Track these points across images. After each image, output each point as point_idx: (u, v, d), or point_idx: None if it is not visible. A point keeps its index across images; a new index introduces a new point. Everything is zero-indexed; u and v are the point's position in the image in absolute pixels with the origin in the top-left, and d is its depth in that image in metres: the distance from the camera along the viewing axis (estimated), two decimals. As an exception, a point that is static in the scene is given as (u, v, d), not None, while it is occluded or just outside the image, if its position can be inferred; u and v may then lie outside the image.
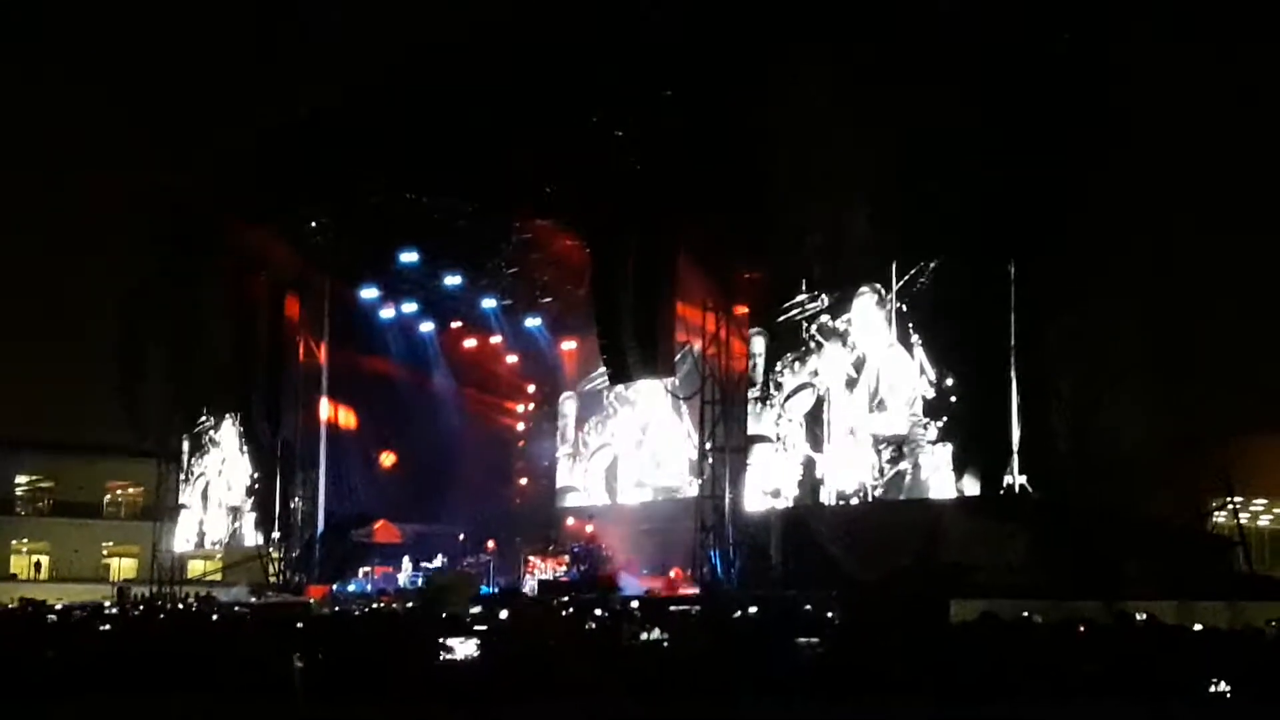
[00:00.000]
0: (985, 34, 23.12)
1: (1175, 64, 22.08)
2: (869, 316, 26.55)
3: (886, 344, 26.04)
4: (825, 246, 26.88)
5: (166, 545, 43.21)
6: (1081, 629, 15.20)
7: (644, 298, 27.84)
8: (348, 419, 39.49)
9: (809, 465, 27.46)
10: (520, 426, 40.42)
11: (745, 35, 25.83)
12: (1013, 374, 23.08)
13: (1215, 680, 8.62)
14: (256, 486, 40.92)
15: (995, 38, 23.10)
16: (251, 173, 34.96)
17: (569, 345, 37.22)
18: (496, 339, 39.37)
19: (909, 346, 25.29)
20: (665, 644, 12.81)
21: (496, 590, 30.40)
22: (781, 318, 28.02)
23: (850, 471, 26.57)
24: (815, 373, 27.49)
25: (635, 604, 23.07)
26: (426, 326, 39.06)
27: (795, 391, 27.92)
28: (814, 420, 27.50)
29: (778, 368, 28.34)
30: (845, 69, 24.39)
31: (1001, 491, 23.20)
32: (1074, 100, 22.42)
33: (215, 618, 24.40)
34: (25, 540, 50.92)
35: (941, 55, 23.26)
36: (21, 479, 52.04)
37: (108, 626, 18.56)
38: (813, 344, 27.53)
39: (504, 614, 21.11)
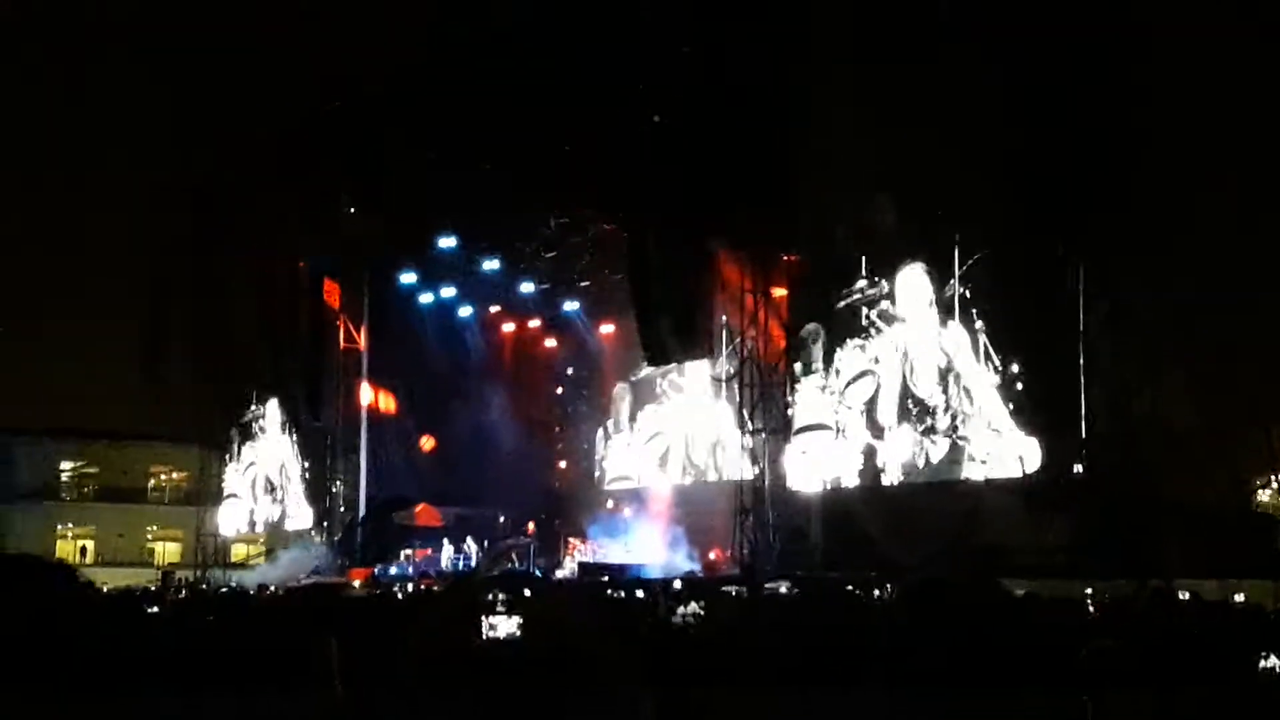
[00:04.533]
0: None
1: (1217, 38, 21.85)
2: (917, 292, 26.31)
3: (935, 322, 25.83)
4: (860, 233, 26.76)
5: (210, 530, 43.59)
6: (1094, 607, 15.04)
7: (680, 280, 27.85)
8: (388, 403, 39.80)
9: (870, 454, 27.10)
10: (559, 409, 40.44)
11: (781, 20, 25.78)
12: (1080, 359, 22.89)
13: (1265, 655, 8.53)
14: (299, 472, 41.22)
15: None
16: (289, 158, 35.08)
17: (607, 329, 37.20)
18: (535, 323, 39.45)
19: (973, 333, 24.98)
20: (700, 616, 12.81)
21: (519, 573, 30.55)
22: (841, 303, 27.67)
23: (910, 459, 26.31)
24: (876, 360, 27.16)
25: (678, 584, 23.11)
26: (465, 311, 39.17)
27: (855, 379, 27.59)
28: (874, 407, 27.21)
29: (837, 354, 27.99)
30: (876, 49, 24.35)
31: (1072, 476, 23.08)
32: (1112, 79, 22.24)
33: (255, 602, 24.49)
34: (70, 525, 51.36)
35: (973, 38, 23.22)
36: (66, 465, 52.54)
37: (155, 609, 18.72)
38: (873, 330, 27.19)
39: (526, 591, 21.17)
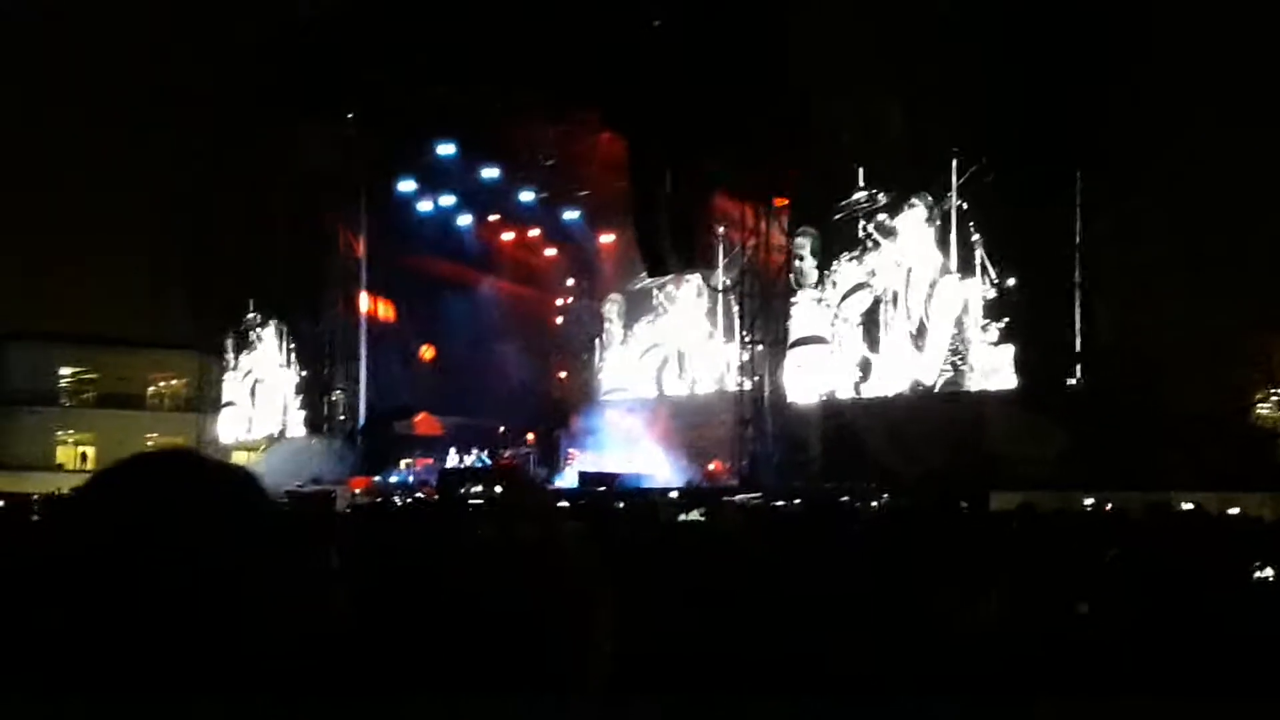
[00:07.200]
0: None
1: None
2: (918, 231, 26.19)
3: (932, 235, 25.78)
4: (865, 143, 26.54)
5: (210, 437, 43.73)
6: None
7: (681, 190, 27.67)
8: (387, 312, 39.67)
9: (865, 367, 27.19)
10: (559, 320, 40.41)
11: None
12: (1077, 275, 22.86)
13: (1260, 566, 8.51)
14: (299, 380, 41.27)
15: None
16: (285, 66, 34.72)
17: (607, 239, 37.05)
18: (535, 232, 39.22)
19: (970, 245, 24.92)
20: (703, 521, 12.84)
21: (486, 465, 30.86)
22: (837, 215, 27.54)
23: (906, 373, 26.37)
24: (873, 272, 27.10)
25: (675, 493, 23.24)
26: (464, 220, 38.93)
27: (851, 291, 27.55)
28: (870, 321, 27.19)
29: (833, 266, 27.90)
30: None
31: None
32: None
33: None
34: (71, 431, 51.54)
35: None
36: (65, 371, 52.59)
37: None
38: (870, 243, 27.09)
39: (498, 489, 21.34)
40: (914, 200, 26.18)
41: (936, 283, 25.71)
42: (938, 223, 25.67)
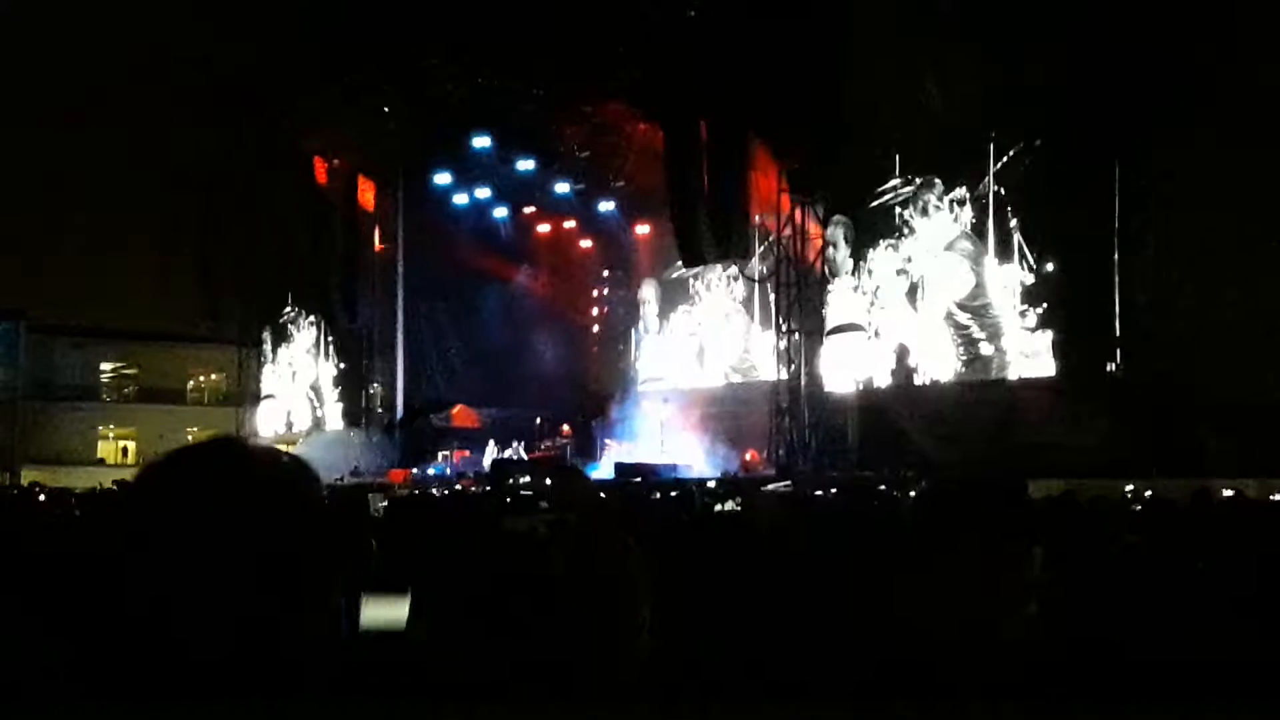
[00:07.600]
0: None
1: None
2: (950, 189, 26.10)
3: (968, 220, 25.69)
4: (900, 129, 26.43)
5: (249, 431, 43.96)
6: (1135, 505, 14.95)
7: (717, 180, 27.64)
8: (423, 304, 39.79)
9: (902, 354, 27.11)
10: (595, 311, 40.43)
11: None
12: (1116, 259, 22.70)
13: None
14: (336, 373, 41.45)
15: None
16: (319, 59, 34.83)
17: (643, 229, 37.03)
18: (570, 224, 39.25)
19: (1007, 231, 24.78)
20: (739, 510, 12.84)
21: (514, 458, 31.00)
22: (873, 203, 27.47)
23: (943, 359, 26.29)
24: (909, 259, 27.03)
25: (712, 483, 23.19)
26: (500, 211, 39.00)
27: (888, 279, 27.48)
28: (906, 308, 27.11)
29: (868, 254, 27.83)
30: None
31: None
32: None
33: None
34: (112, 426, 51.95)
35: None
36: (106, 366, 52.99)
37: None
38: (906, 230, 27.03)
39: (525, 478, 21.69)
40: (934, 184, 26.13)
41: (974, 269, 25.62)
42: (953, 209, 25.64)
